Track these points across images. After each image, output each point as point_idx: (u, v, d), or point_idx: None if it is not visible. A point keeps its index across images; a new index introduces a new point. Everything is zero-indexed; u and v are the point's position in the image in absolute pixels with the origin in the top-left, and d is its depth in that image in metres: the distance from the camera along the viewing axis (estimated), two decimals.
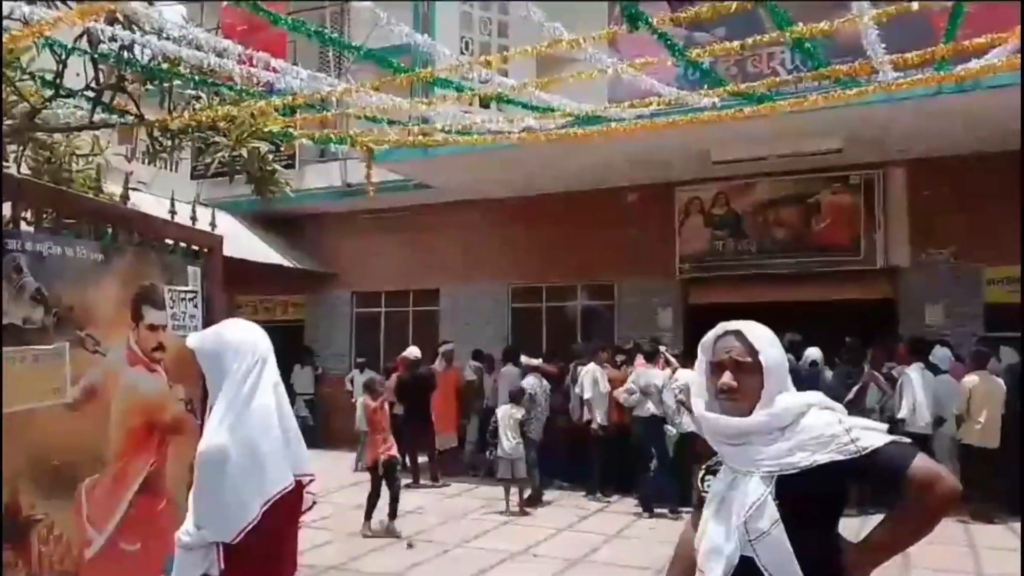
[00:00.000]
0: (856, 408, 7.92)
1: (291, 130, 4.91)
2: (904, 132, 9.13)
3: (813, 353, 8.50)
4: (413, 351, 10.30)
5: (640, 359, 8.74)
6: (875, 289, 10.59)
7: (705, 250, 11.50)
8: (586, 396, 8.70)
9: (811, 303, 10.64)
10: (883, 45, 5.55)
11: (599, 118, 6.50)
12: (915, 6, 4.49)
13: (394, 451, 7.35)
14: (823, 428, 1.81)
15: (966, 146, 9.59)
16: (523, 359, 9.91)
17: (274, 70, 4.01)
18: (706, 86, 5.83)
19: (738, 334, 1.97)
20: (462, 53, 8.82)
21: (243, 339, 2.22)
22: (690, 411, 7.96)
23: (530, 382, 8.76)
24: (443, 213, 13.05)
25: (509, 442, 8.06)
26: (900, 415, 7.80)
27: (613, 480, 8.88)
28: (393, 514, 7.18)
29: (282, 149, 6.34)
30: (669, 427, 8.05)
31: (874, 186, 10.50)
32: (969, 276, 10.03)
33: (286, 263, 13.10)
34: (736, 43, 4.59)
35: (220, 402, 2.13)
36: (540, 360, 9.75)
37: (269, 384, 2.19)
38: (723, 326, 2.01)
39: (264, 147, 3.84)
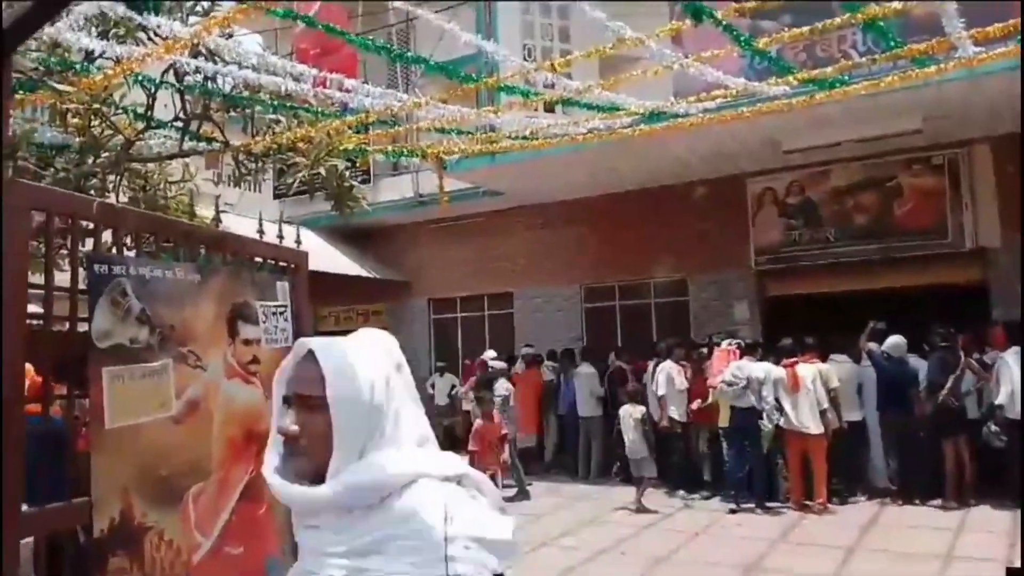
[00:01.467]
0: (952, 396, 7.62)
1: (365, 147, 5.08)
2: (988, 108, 8.71)
3: (893, 342, 8.16)
4: (490, 354, 10.49)
5: (720, 353, 8.65)
6: (965, 272, 10.12)
7: (780, 241, 11.24)
8: (660, 393, 8.66)
9: (895, 289, 10.28)
10: (962, 20, 5.34)
11: (665, 114, 6.47)
12: None
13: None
14: (417, 522, 1.20)
15: None
16: (490, 362, 10.05)
17: (347, 90, 4.17)
18: (775, 75, 5.71)
19: (311, 355, 1.32)
20: (525, 60, 8.89)
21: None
22: (780, 408, 7.84)
23: (504, 385, 8.98)
24: (513, 217, 13.20)
25: (632, 442, 8.10)
26: (998, 401, 7.45)
27: (697, 477, 8.80)
28: None
29: (358, 165, 6.56)
30: (764, 422, 7.90)
31: (959, 165, 10.05)
32: None
33: (365, 274, 13.48)
34: (806, 29, 4.49)
35: None
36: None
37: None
38: (301, 343, 1.36)
39: (341, 164, 3.98)
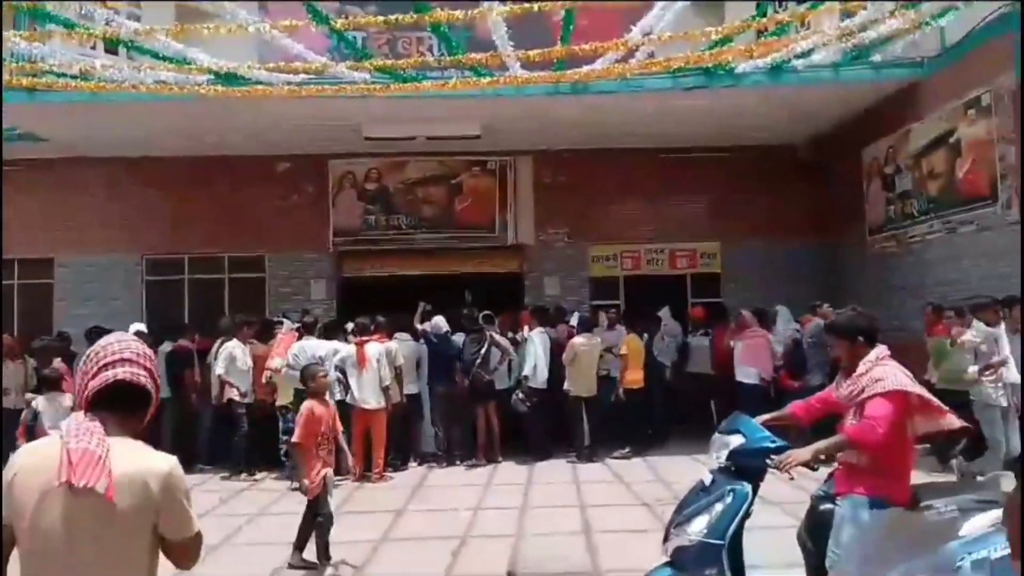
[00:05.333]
0: (483, 368, 8.74)
1: None
2: (531, 124, 10.27)
3: (434, 322, 9.08)
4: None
5: (285, 336, 8.59)
6: (507, 263, 11.87)
7: (358, 224, 11.70)
8: (218, 372, 8.31)
9: (456, 275, 11.53)
10: (511, 43, 6.19)
11: (243, 79, 6.18)
12: (536, 7, 5.08)
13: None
14: None
15: (581, 142, 11.13)
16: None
17: None
18: (353, 59, 5.89)
19: None
20: None
21: None
22: (346, 384, 8.08)
23: None
24: (60, 170, 11.35)
25: None
26: (524, 373, 8.83)
27: (260, 457, 8.63)
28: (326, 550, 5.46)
29: None
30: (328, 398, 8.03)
31: (507, 172, 11.69)
32: (578, 254, 11.81)
33: None
34: (380, 18, 4.72)
35: None
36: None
37: None
38: None
39: None
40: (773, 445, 3.44)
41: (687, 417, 10.10)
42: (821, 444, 3.35)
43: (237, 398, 8.34)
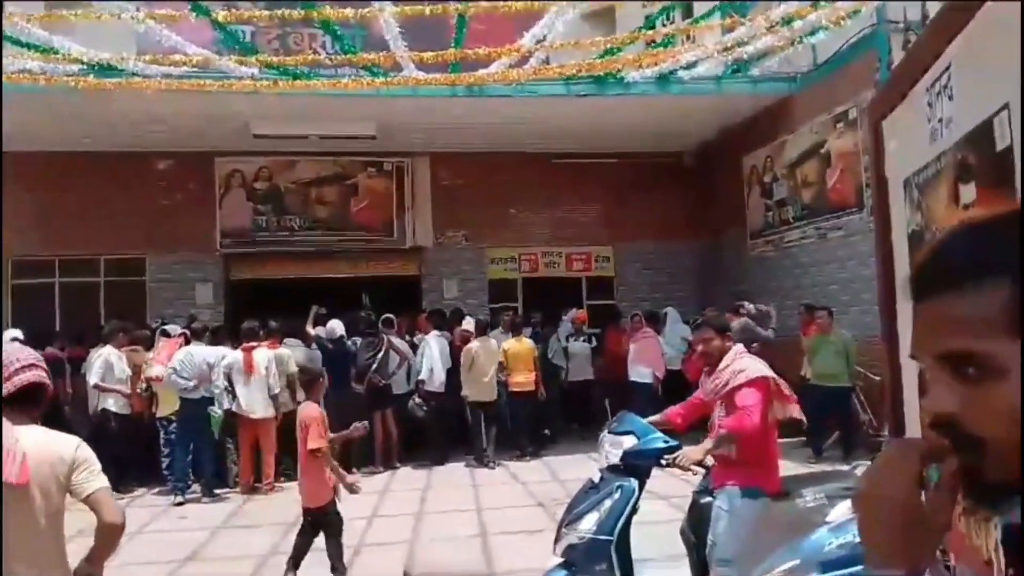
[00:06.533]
0: (380, 373, 8.61)
1: None
2: (428, 126, 10.19)
3: (329, 327, 8.86)
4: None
5: (168, 342, 8.16)
6: (406, 266, 11.74)
7: (247, 225, 11.27)
8: (93, 381, 7.80)
9: (352, 279, 11.28)
10: (406, 44, 6.13)
11: (117, 69, 5.80)
12: (428, 10, 5.06)
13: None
14: None
15: (478, 144, 11.16)
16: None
17: None
18: (239, 53, 5.66)
19: None
20: None
21: None
22: (233, 392, 7.75)
23: None
24: None
25: None
26: (421, 377, 8.74)
27: (138, 471, 8.15)
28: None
29: None
30: (214, 408, 7.69)
31: (404, 173, 11.55)
32: (477, 256, 11.81)
33: None
34: (266, 12, 4.57)
35: None
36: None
37: None
38: None
39: None
40: (665, 445, 3.56)
41: (585, 417, 10.32)
42: (708, 443, 3.50)
43: (113, 408, 7.84)
